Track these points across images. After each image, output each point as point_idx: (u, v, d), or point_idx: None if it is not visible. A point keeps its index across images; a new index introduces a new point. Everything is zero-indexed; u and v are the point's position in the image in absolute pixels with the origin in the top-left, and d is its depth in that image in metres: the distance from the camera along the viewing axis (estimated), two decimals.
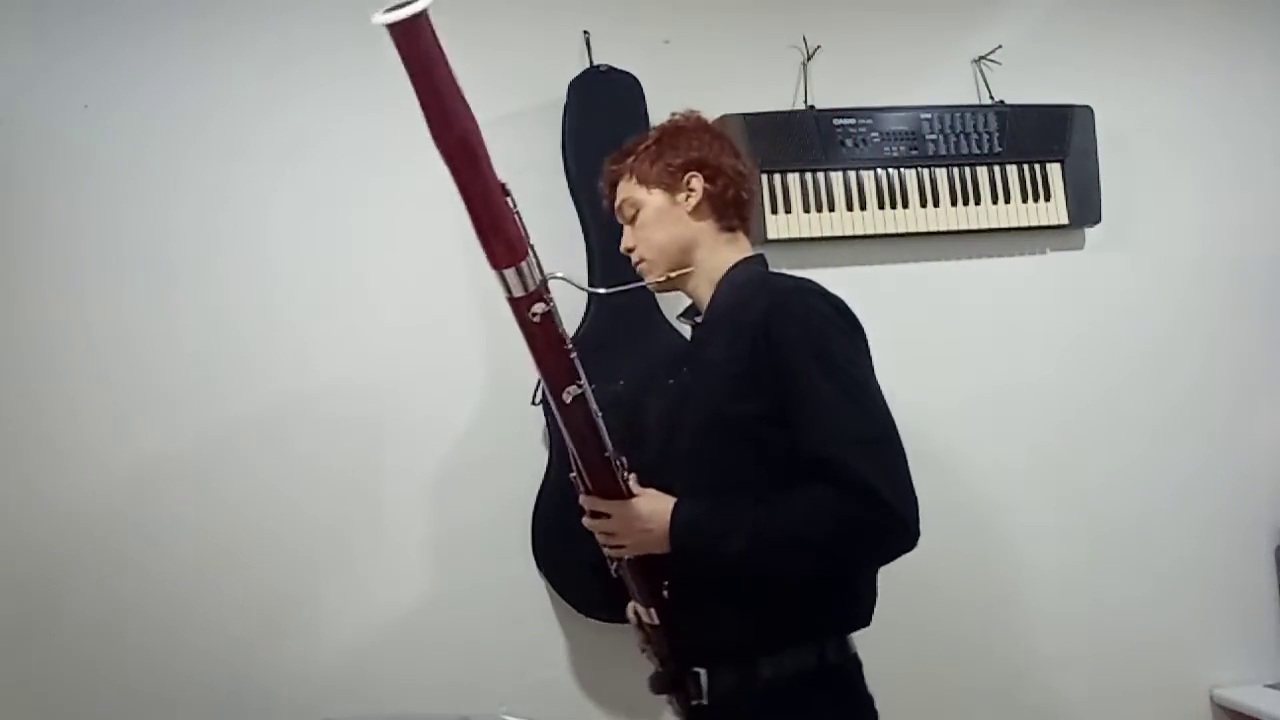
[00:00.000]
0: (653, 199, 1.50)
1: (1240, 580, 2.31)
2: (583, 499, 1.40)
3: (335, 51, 1.99)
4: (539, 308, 1.20)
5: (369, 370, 1.98)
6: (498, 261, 1.17)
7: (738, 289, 1.46)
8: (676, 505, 1.35)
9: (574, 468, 1.37)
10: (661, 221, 1.50)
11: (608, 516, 1.37)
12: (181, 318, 1.92)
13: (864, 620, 1.45)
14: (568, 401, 1.26)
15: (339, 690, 1.92)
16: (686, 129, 1.55)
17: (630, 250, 1.54)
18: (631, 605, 1.53)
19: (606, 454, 1.33)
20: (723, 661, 1.40)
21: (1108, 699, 2.22)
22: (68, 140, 1.90)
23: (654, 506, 1.36)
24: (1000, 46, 2.23)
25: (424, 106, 1.08)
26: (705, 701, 1.40)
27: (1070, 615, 2.23)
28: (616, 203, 1.56)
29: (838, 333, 1.36)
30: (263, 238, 1.96)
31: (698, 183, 1.50)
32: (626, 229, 1.55)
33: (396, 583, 1.97)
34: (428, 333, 2.00)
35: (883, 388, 2.11)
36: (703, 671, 1.40)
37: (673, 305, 1.81)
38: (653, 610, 1.43)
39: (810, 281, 1.44)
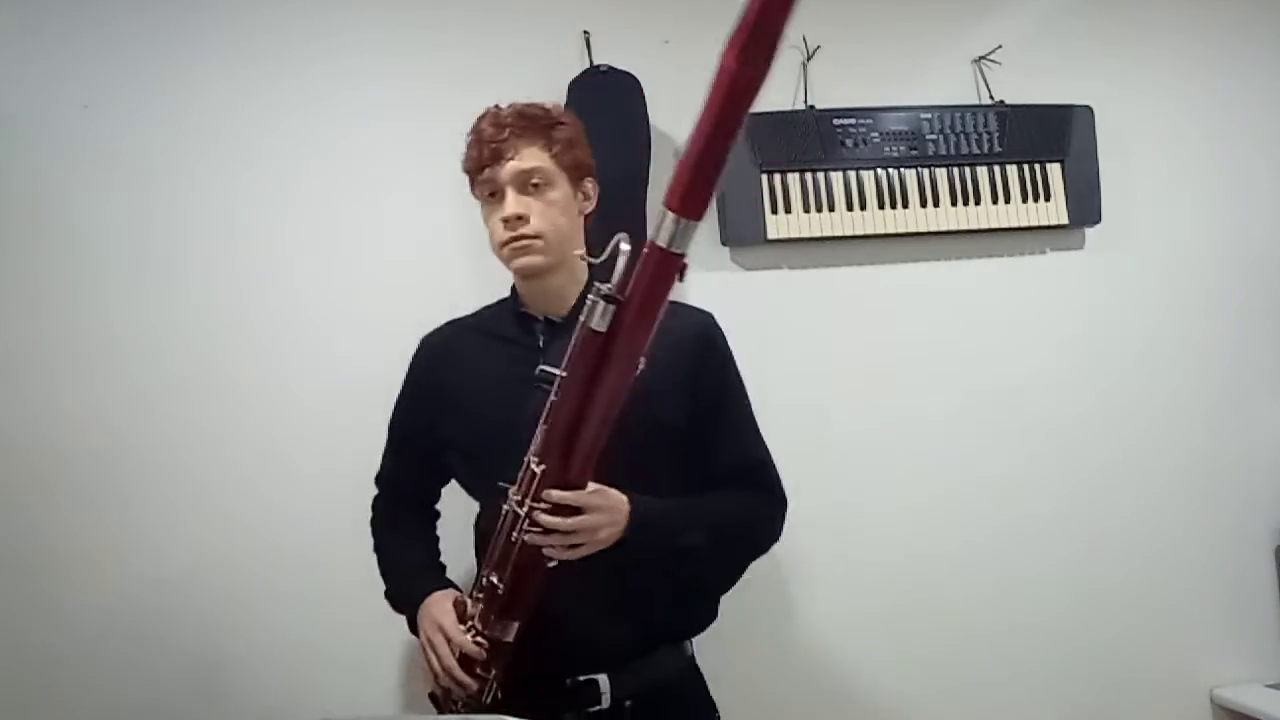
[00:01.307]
0: (561, 184, 1.43)
1: (1240, 580, 2.31)
2: (554, 494, 1.23)
3: (336, 50, 1.99)
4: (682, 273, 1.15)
5: (369, 370, 1.97)
6: (688, 209, 1.10)
7: None
8: (632, 498, 1.31)
9: (544, 458, 1.23)
10: (567, 209, 1.44)
11: (577, 512, 1.25)
12: (181, 317, 1.92)
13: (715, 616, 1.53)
14: (635, 374, 1.20)
15: (339, 690, 1.92)
16: (582, 129, 1.49)
17: (522, 219, 1.39)
18: (469, 635, 1.35)
19: (601, 445, 1.24)
20: (626, 661, 1.39)
21: (1108, 699, 2.23)
22: (68, 140, 1.90)
23: (615, 496, 1.30)
24: (1000, 46, 2.23)
25: (756, 21, 1.00)
26: (606, 706, 1.37)
27: (1070, 615, 2.23)
28: (522, 165, 1.40)
29: None
30: (264, 237, 1.96)
31: (593, 191, 1.49)
32: (522, 197, 1.40)
33: None
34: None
35: (882, 387, 2.13)
36: (602, 677, 1.37)
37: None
38: (515, 626, 1.31)
39: None
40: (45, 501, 1.86)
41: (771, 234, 2.08)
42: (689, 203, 1.09)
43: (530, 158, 1.41)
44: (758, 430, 1.50)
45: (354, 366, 1.97)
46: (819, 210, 2.11)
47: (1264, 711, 2.15)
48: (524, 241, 1.40)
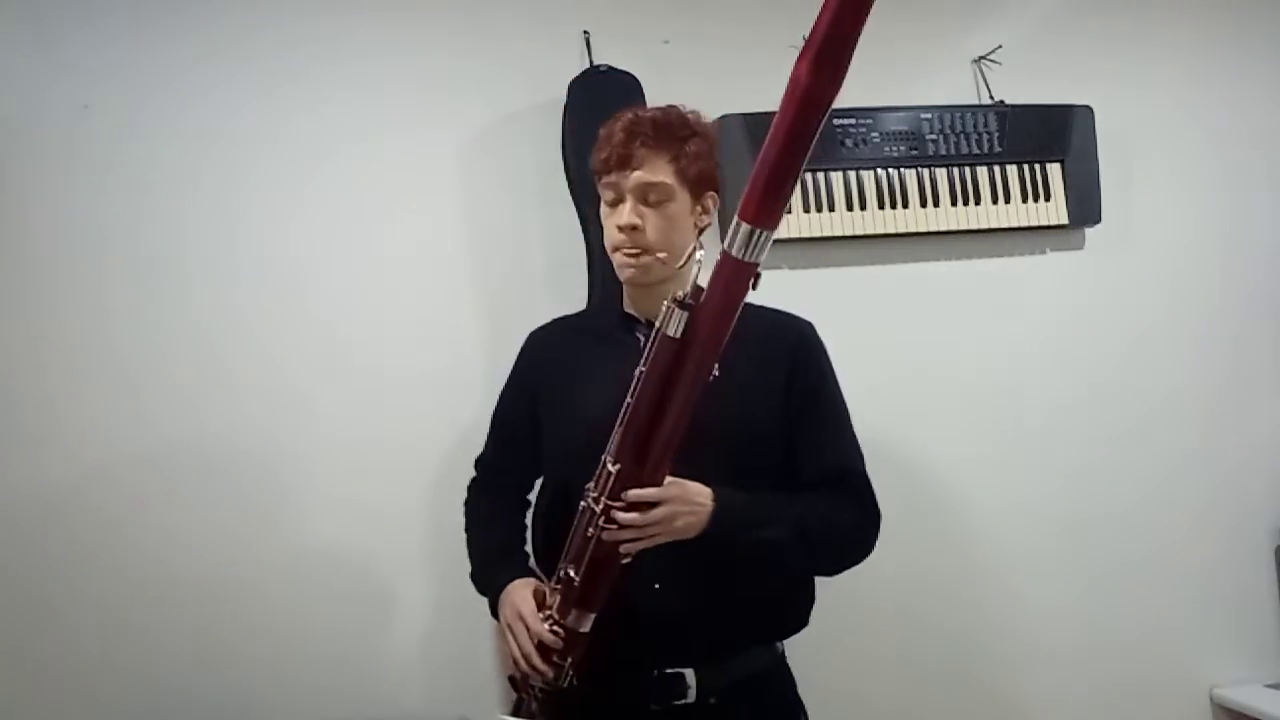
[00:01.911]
0: (681, 197, 1.43)
1: (1240, 580, 2.31)
2: (632, 493, 1.27)
3: (336, 51, 1.99)
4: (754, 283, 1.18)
5: (369, 370, 1.98)
6: (762, 219, 1.13)
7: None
8: (715, 488, 1.34)
9: (620, 459, 1.27)
10: (682, 224, 1.44)
11: (653, 506, 1.28)
12: (182, 317, 1.92)
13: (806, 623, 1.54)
14: (710, 380, 1.24)
15: (338, 690, 1.92)
16: (714, 141, 1.49)
17: (637, 229, 1.41)
18: (546, 624, 1.37)
19: (675, 445, 1.28)
20: (714, 657, 1.41)
21: (1108, 699, 2.23)
22: (68, 140, 1.89)
23: (695, 487, 1.33)
24: (1000, 46, 2.23)
25: (828, 33, 1.04)
26: (692, 700, 1.40)
27: (1070, 615, 2.23)
28: (645, 177, 1.41)
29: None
30: (265, 237, 1.95)
31: (713, 205, 1.49)
32: (640, 207, 1.41)
33: (396, 584, 1.97)
34: (429, 334, 2.00)
35: (882, 387, 2.13)
36: (689, 671, 1.40)
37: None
38: (590, 617, 1.34)
39: None
40: (44, 503, 1.86)
41: None
42: (763, 213, 1.12)
43: (655, 171, 1.42)
44: (853, 439, 1.52)
45: (356, 366, 1.97)
46: (819, 210, 2.11)
47: (1264, 711, 2.15)
48: (635, 253, 1.43)
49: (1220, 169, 2.35)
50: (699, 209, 1.47)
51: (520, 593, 1.44)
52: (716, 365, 1.23)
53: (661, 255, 1.42)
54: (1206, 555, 2.30)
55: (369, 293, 1.99)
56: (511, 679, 1.48)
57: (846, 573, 1.49)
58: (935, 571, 2.17)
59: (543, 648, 1.36)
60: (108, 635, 1.86)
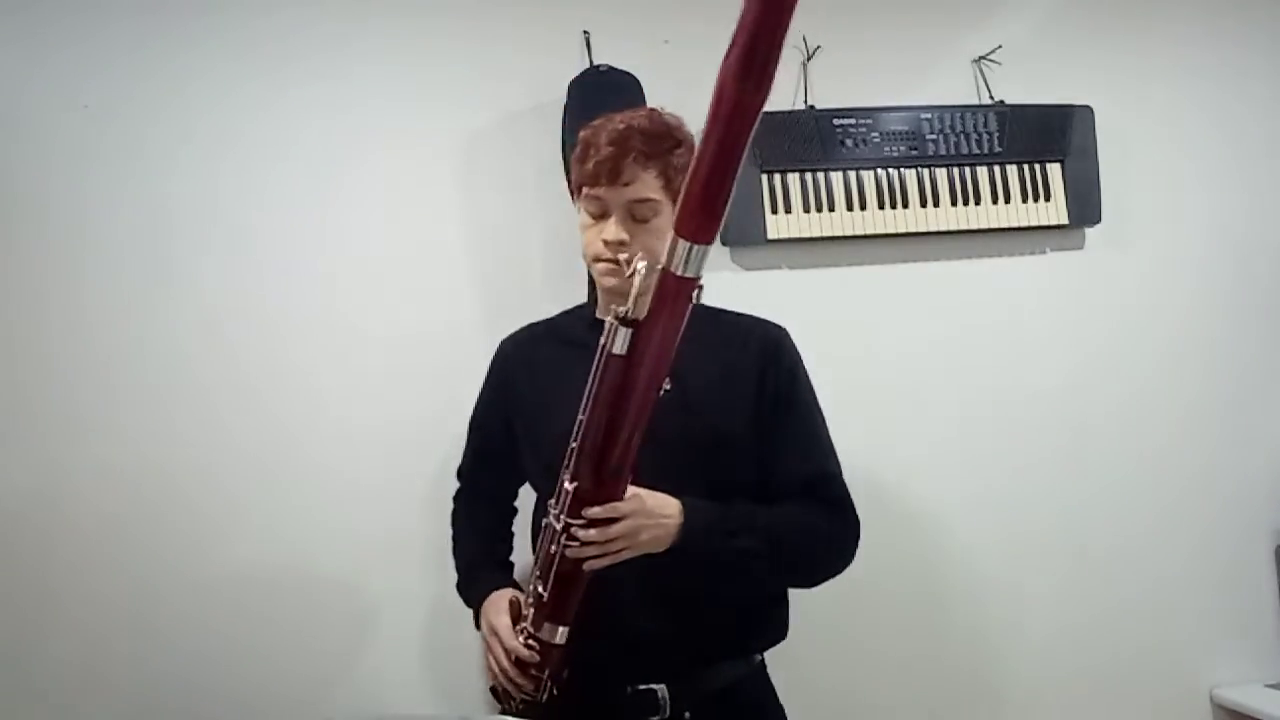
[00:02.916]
0: (665, 209, 1.39)
1: (1240, 580, 2.31)
2: (592, 510, 1.25)
3: (336, 50, 1.99)
4: (696, 293, 1.15)
5: (369, 371, 1.98)
6: (699, 235, 1.09)
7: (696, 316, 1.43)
8: (684, 500, 1.32)
9: (576, 476, 1.25)
10: (667, 234, 1.38)
11: (615, 521, 1.26)
12: (181, 317, 1.92)
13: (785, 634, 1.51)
14: (660, 395, 1.20)
15: (339, 690, 1.92)
16: (694, 146, 1.46)
17: (624, 245, 1.37)
18: (519, 638, 1.37)
19: (632, 458, 1.25)
20: (687, 671, 1.40)
21: (1108, 698, 2.22)
22: (68, 140, 1.90)
23: (659, 500, 1.31)
24: (1000, 46, 2.23)
25: (751, 47, 0.97)
26: (665, 716, 1.39)
27: (1070, 615, 2.23)
28: (636, 194, 1.37)
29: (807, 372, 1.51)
30: (264, 237, 1.96)
31: None
32: (629, 223, 1.38)
33: (397, 584, 1.97)
34: (428, 334, 2.00)
35: (882, 386, 2.13)
36: (661, 686, 1.38)
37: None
38: (563, 630, 1.33)
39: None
40: (45, 503, 1.86)
41: (771, 234, 2.08)
42: (699, 229, 1.09)
43: (645, 187, 1.38)
44: (828, 447, 1.47)
45: (356, 366, 1.97)
46: (819, 210, 2.11)
47: (1264, 711, 2.15)
48: (617, 264, 1.38)
49: (1220, 169, 2.35)
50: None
51: (497, 605, 1.43)
52: (669, 379, 1.20)
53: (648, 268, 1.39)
54: (1207, 555, 2.29)
55: (369, 292, 1.99)
56: (494, 690, 1.47)
57: (846, 575, 1.48)
58: (934, 572, 2.17)
59: (519, 661, 1.36)
60: (108, 635, 1.86)
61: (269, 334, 1.95)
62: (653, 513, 1.29)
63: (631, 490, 1.28)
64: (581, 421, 1.23)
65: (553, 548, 1.29)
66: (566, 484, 1.26)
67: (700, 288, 1.14)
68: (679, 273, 1.12)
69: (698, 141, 1.10)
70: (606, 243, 1.39)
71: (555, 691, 1.38)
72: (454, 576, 1.62)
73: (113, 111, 1.91)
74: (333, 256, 1.98)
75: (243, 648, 1.90)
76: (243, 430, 1.93)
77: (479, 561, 1.59)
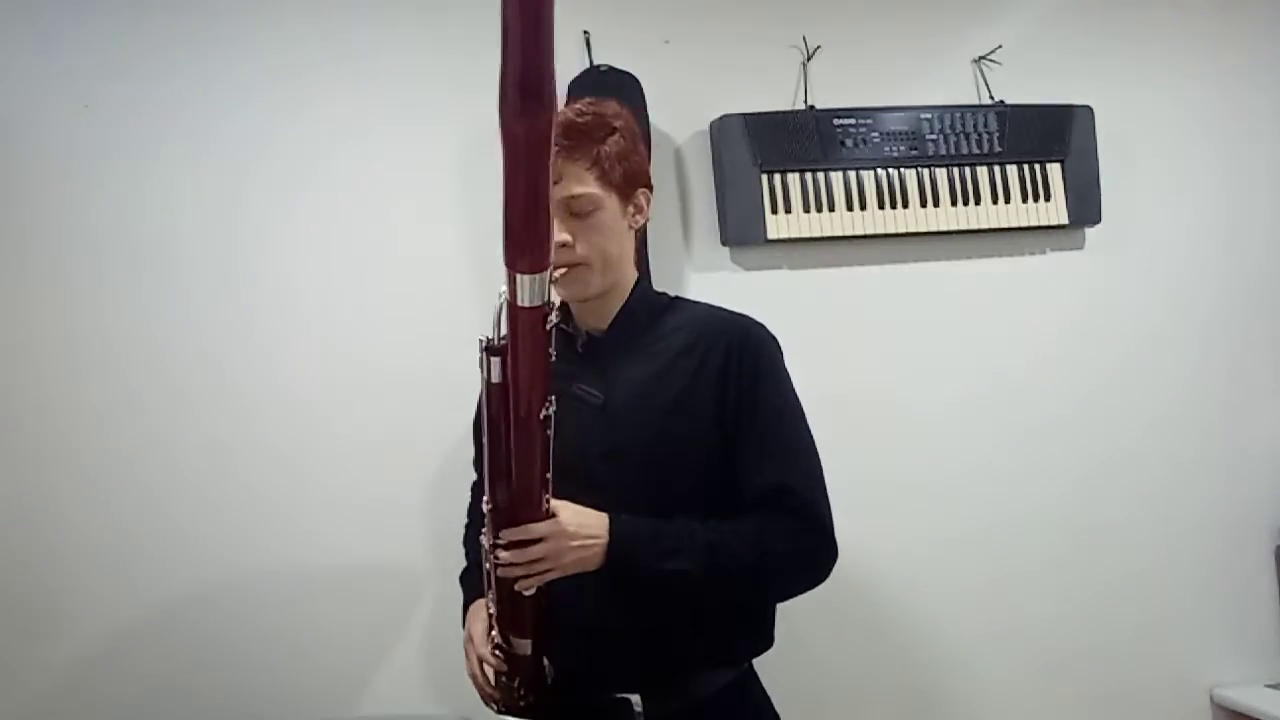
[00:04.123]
0: (610, 204, 1.34)
1: (1240, 580, 2.31)
2: (505, 533, 1.21)
3: (338, 51, 1.99)
4: (550, 320, 1.10)
5: (369, 369, 1.98)
6: (530, 266, 1.03)
7: (660, 312, 1.42)
8: (612, 519, 1.26)
9: (491, 498, 1.21)
10: (615, 232, 1.36)
11: (536, 542, 1.22)
12: (182, 316, 1.92)
13: (770, 643, 1.44)
14: (541, 418, 1.14)
15: (339, 690, 1.92)
16: (636, 133, 1.40)
17: (567, 245, 1.32)
18: (488, 646, 1.37)
19: (547, 474, 1.20)
20: (660, 681, 1.36)
21: (1108, 699, 2.23)
22: (68, 140, 1.90)
23: (583, 520, 1.25)
24: (1000, 46, 2.23)
25: (520, 78, 0.91)
26: None
27: (1069, 615, 2.23)
28: (565, 192, 1.31)
29: (785, 369, 1.40)
30: (265, 237, 1.96)
31: (645, 202, 1.41)
32: (568, 221, 1.32)
33: (397, 583, 1.97)
34: (428, 334, 1.99)
35: (882, 386, 2.12)
36: (635, 696, 1.35)
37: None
38: (526, 642, 1.31)
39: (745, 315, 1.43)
40: (45, 503, 1.86)
41: (771, 234, 2.08)
42: (529, 260, 1.03)
43: (574, 182, 1.32)
44: (797, 452, 1.36)
45: (356, 365, 1.97)
46: (819, 210, 2.11)
47: (1264, 711, 2.15)
48: (572, 272, 1.34)
49: (1220, 169, 2.35)
50: (632, 209, 1.39)
51: (477, 612, 1.42)
52: (553, 401, 1.14)
53: (597, 267, 1.35)
54: (1206, 555, 2.30)
55: (368, 292, 1.99)
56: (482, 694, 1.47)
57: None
58: (934, 573, 2.17)
59: (493, 668, 1.36)
60: (109, 635, 1.86)
61: (268, 333, 1.94)
62: (575, 534, 1.23)
63: (555, 507, 1.23)
64: (485, 448, 1.19)
65: (487, 566, 1.27)
66: (484, 506, 1.22)
67: (551, 310, 1.09)
68: (522, 304, 1.06)
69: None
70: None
71: (532, 699, 1.36)
72: (454, 577, 1.62)
73: (113, 111, 1.91)
74: (332, 256, 1.98)
75: (243, 650, 1.90)
76: (240, 435, 1.93)
77: (473, 568, 1.58)
